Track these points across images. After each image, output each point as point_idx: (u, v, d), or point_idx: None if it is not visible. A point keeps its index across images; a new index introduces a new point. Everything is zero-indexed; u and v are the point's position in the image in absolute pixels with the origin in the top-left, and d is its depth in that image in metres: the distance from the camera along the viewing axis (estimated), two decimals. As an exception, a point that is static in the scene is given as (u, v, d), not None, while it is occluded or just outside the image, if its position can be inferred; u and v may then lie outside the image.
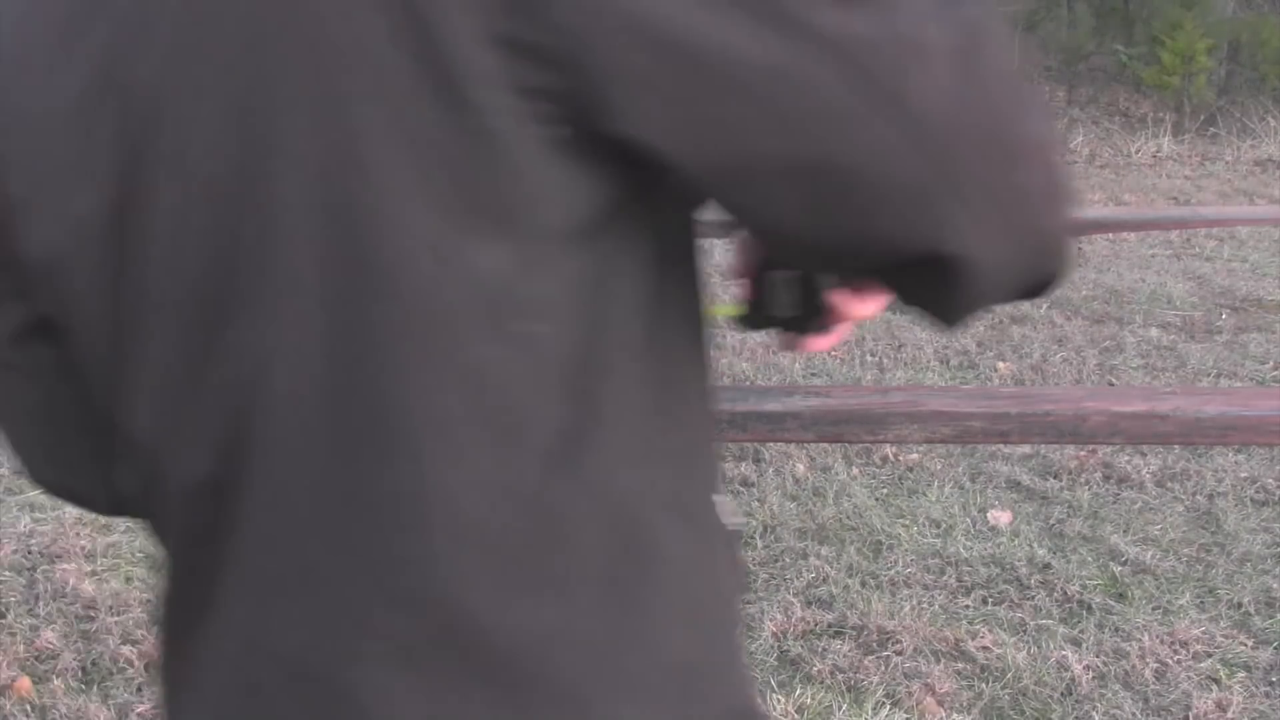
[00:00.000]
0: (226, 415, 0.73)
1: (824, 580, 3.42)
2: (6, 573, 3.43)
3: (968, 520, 3.83)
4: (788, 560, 3.53)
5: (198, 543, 0.78)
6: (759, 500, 3.96)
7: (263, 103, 0.67)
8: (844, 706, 2.86)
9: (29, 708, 2.88)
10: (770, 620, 3.23)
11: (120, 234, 0.74)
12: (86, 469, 0.90)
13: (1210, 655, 3.10)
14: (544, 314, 0.69)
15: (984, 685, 2.95)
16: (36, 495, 3.87)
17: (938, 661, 3.05)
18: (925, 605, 3.31)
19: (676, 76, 0.64)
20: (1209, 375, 5.18)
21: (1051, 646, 3.11)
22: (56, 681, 2.96)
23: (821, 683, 2.99)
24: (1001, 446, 4.26)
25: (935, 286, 0.72)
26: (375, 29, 0.64)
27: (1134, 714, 2.86)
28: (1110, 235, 7.59)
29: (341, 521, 0.71)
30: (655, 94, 0.64)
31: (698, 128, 0.65)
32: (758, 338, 5.33)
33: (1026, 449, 4.26)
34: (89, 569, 3.44)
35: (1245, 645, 3.14)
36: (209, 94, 0.68)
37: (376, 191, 0.66)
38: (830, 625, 3.20)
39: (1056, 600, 3.35)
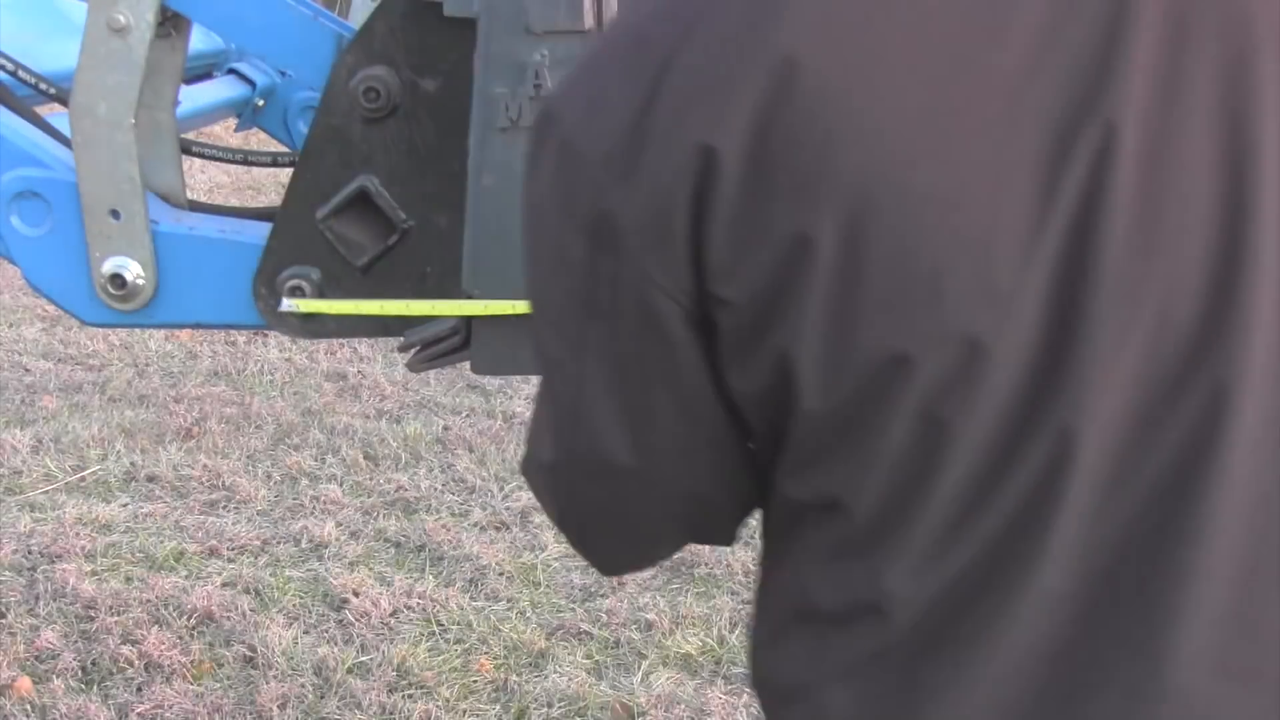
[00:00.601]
0: (1172, 454, 0.76)
1: (824, 580, 3.42)
2: (6, 573, 3.43)
3: (968, 520, 3.83)
4: (788, 560, 3.53)
5: (1109, 586, 0.78)
6: (759, 500, 3.96)
7: (1248, 142, 0.75)
8: (844, 706, 2.86)
9: (29, 708, 2.88)
10: (770, 620, 3.24)
11: (1060, 301, 0.76)
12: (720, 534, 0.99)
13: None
14: None
15: (984, 685, 2.95)
16: (36, 495, 3.87)
17: (938, 661, 3.05)
18: (925, 605, 3.31)
19: None
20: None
21: (1051, 646, 3.11)
22: (56, 681, 2.96)
23: (821, 683, 2.99)
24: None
25: None
26: None
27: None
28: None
29: None
30: None
31: None
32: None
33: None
34: (89, 569, 3.44)
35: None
36: (1197, 136, 0.75)
37: None
38: (830, 625, 3.20)
39: (1056, 600, 3.35)
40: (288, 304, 1.81)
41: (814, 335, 0.77)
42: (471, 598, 3.38)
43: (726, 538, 0.99)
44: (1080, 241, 0.75)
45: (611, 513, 0.96)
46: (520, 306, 1.70)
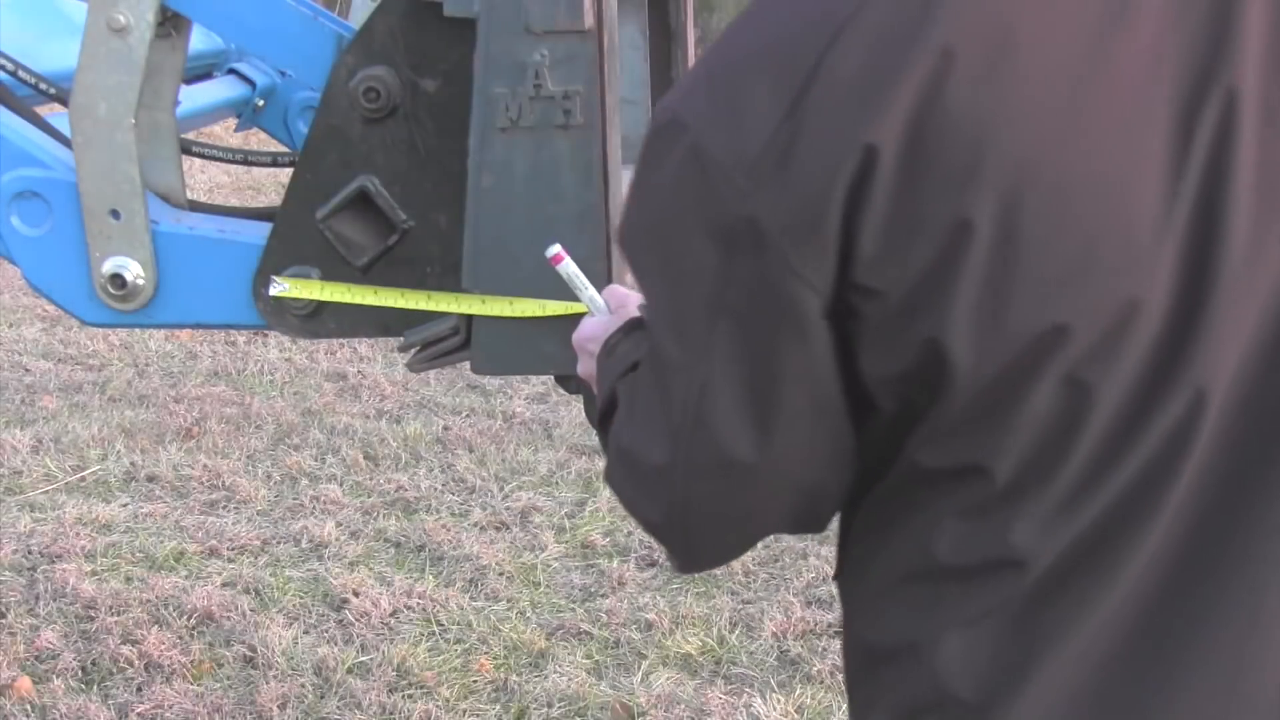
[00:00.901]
0: (1273, 405, 0.82)
1: (824, 580, 3.42)
2: (6, 573, 3.43)
3: (968, 520, 3.82)
4: (788, 560, 3.53)
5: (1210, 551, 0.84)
6: (759, 500, 3.95)
7: None
8: (844, 706, 2.86)
9: (29, 708, 2.88)
10: (770, 620, 3.23)
11: (1191, 263, 0.80)
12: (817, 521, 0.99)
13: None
14: None
15: (984, 685, 2.95)
16: (36, 495, 3.87)
17: (938, 661, 3.04)
18: (925, 605, 3.30)
19: None
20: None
21: (1051, 646, 3.11)
22: (56, 681, 2.96)
23: (821, 683, 2.99)
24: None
25: None
26: None
27: (1134, 714, 2.86)
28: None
29: None
30: None
31: None
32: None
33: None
34: (89, 569, 3.44)
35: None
36: None
37: None
38: (830, 625, 3.20)
39: (1056, 600, 3.35)
40: (278, 285, 1.81)
41: (969, 315, 0.80)
42: (471, 598, 3.38)
43: (823, 524, 1.00)
44: (1209, 204, 0.79)
45: (724, 510, 0.97)
46: (518, 308, 1.70)
